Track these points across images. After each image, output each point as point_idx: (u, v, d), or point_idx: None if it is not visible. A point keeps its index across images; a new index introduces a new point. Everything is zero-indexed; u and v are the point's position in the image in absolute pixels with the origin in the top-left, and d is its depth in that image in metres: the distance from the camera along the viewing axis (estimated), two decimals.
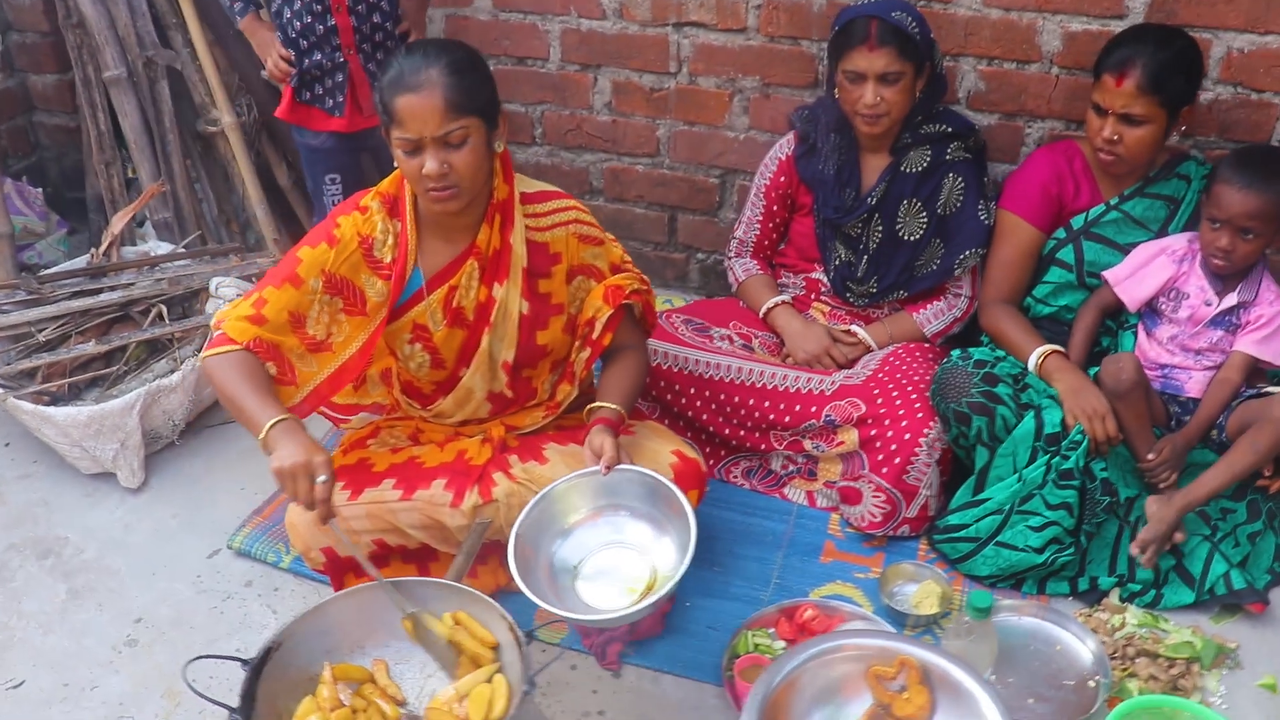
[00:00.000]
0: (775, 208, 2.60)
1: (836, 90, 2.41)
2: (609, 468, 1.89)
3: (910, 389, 2.29)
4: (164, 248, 2.89)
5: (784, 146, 2.57)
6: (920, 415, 2.24)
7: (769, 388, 2.41)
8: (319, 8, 2.39)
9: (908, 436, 2.23)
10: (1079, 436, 2.13)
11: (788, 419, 2.38)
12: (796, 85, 2.72)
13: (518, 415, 2.23)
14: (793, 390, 2.39)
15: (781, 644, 2.07)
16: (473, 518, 2.04)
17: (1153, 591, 2.15)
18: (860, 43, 2.28)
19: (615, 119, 2.92)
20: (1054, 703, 1.96)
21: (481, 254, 2.04)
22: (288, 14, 2.41)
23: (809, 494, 2.44)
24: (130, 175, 3.07)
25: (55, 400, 2.57)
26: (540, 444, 2.17)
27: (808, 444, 2.39)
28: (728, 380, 2.44)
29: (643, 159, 2.96)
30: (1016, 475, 2.15)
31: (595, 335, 2.11)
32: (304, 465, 1.74)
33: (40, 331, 2.65)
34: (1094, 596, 2.17)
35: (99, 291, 2.74)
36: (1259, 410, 2.14)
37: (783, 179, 2.57)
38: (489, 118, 1.91)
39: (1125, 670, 2.00)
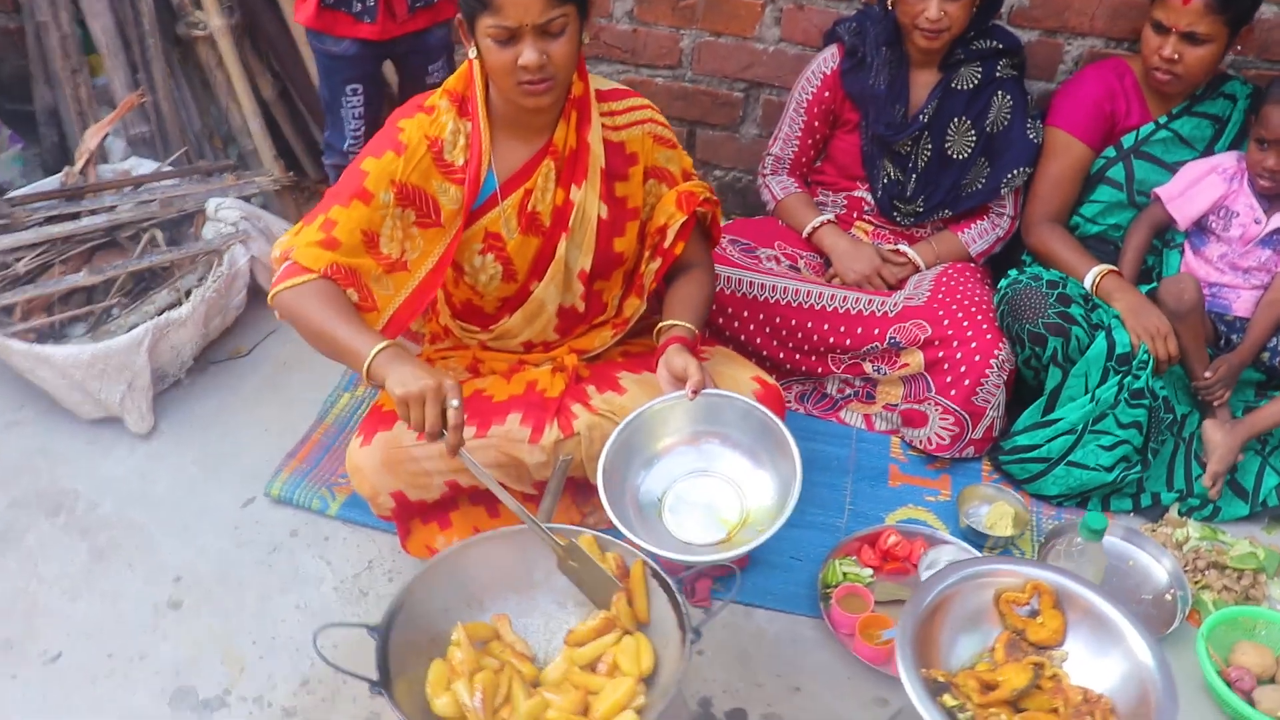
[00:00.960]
0: (817, 124, 2.56)
1: (891, 2, 2.37)
2: (696, 391, 1.82)
3: (975, 310, 2.32)
4: (146, 166, 2.66)
5: (828, 60, 2.51)
6: (989, 337, 2.27)
7: (828, 310, 2.41)
8: None
9: (978, 358, 2.26)
10: (1146, 356, 2.20)
11: (848, 341, 2.39)
12: None
13: (586, 336, 2.16)
14: (854, 312, 2.39)
15: (868, 571, 2.10)
16: (554, 453, 1.99)
17: (1210, 506, 2.27)
18: None
19: (636, 28, 2.80)
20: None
21: (559, 153, 1.95)
22: None
23: (866, 417, 2.46)
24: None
25: (41, 338, 2.38)
26: (613, 372, 2.12)
27: (868, 367, 2.40)
28: (784, 303, 2.42)
29: (663, 71, 2.86)
30: (1089, 395, 2.21)
31: (668, 244, 2.04)
32: (435, 389, 1.64)
33: (18, 261, 2.43)
34: (1155, 513, 2.27)
35: (78, 215, 2.51)
36: None
37: (827, 94, 2.52)
38: (582, 5, 1.80)
39: (1198, 583, 2.11)
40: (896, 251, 2.53)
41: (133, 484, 2.27)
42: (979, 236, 2.55)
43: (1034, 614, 1.72)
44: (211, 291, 2.43)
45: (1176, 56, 2.26)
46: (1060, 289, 2.27)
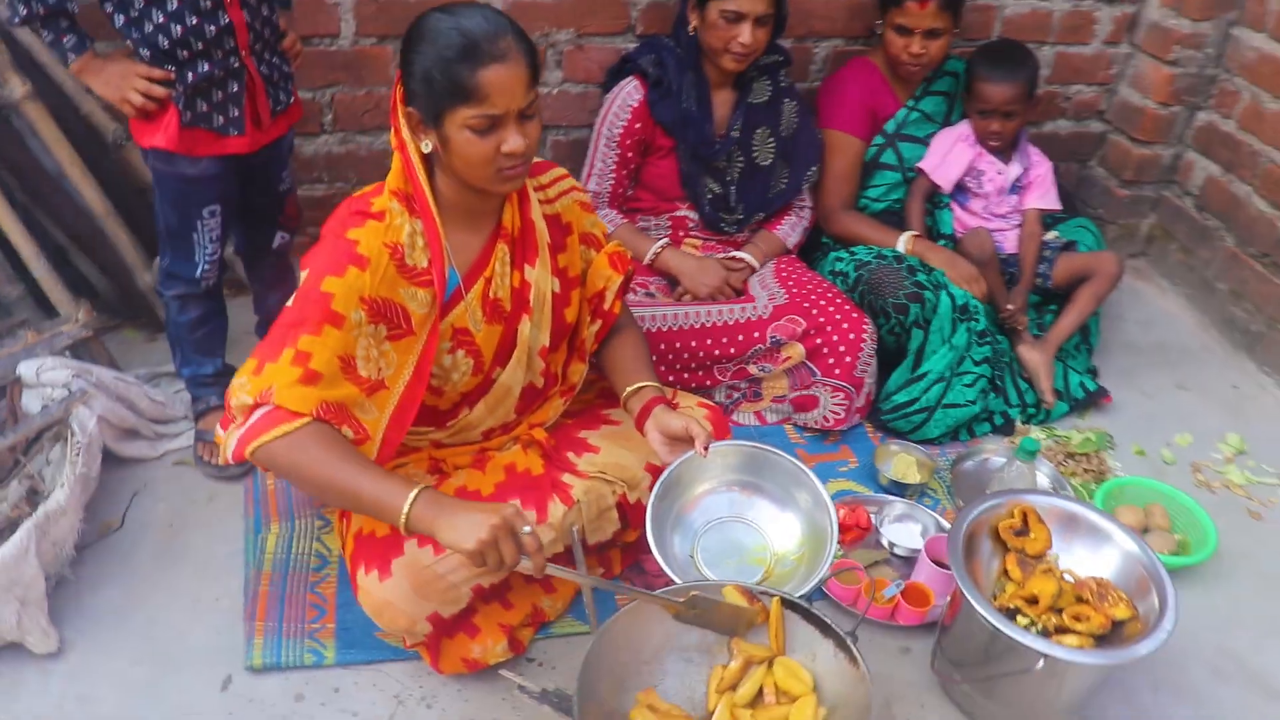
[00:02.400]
0: (630, 155, 2.77)
1: (696, 29, 2.64)
2: (707, 447, 1.97)
3: (834, 296, 2.68)
4: None
5: (632, 94, 2.73)
6: (855, 316, 2.64)
7: (709, 326, 2.65)
8: (208, 3, 2.01)
9: (852, 336, 2.62)
10: (975, 302, 2.69)
11: (733, 350, 2.65)
12: (610, 33, 2.86)
13: (541, 409, 2.24)
14: (730, 323, 2.65)
15: None
16: (563, 528, 2.07)
17: (1043, 411, 2.83)
18: None
19: None
20: None
21: (510, 235, 2.00)
22: (158, 19, 1.99)
23: (757, 414, 2.74)
24: None
25: None
26: (575, 434, 2.23)
27: (753, 369, 2.68)
28: (666, 329, 2.63)
29: None
30: (947, 345, 2.66)
31: (607, 305, 2.18)
32: (503, 527, 1.65)
33: None
34: (1008, 429, 2.78)
35: None
36: (1090, 264, 2.91)
37: (638, 125, 2.73)
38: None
39: (1067, 472, 2.64)
40: (732, 258, 2.83)
41: (71, 714, 1.99)
42: (791, 230, 2.92)
43: (1025, 532, 2.13)
44: (81, 467, 2.16)
45: (922, 51, 2.76)
46: (905, 263, 2.70)
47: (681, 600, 1.80)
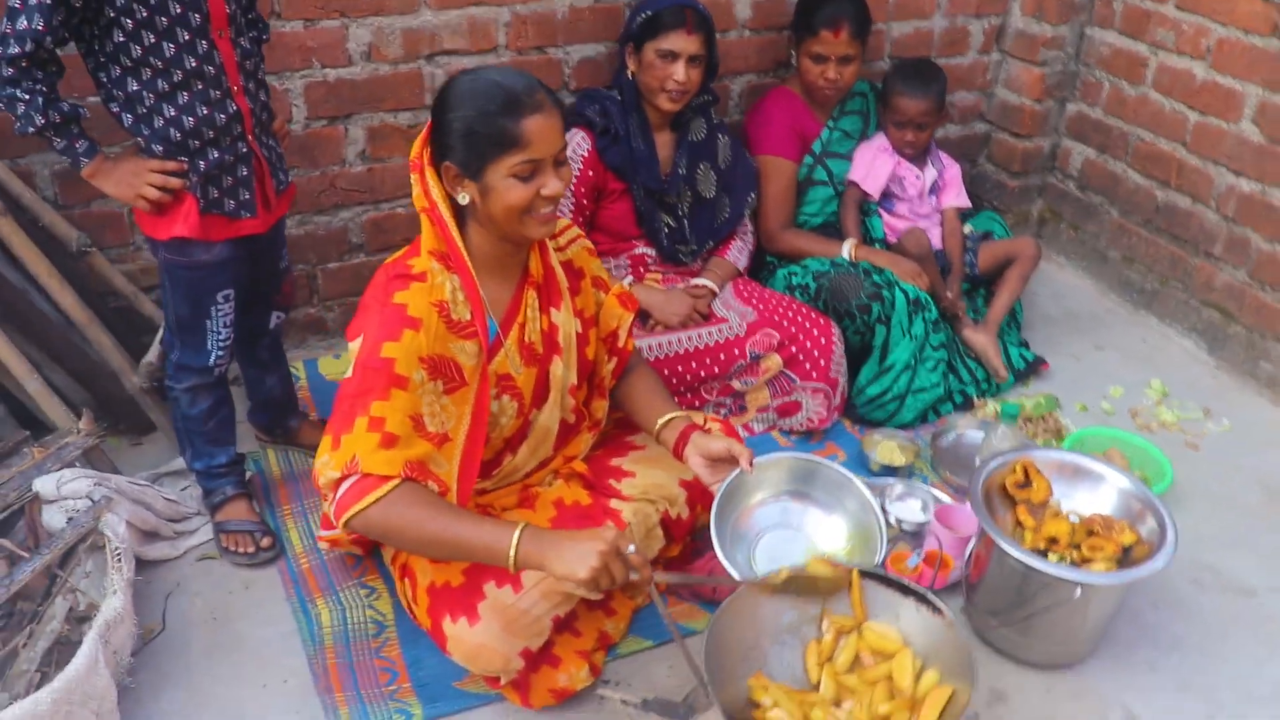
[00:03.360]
0: (585, 201, 2.95)
1: (634, 72, 2.86)
2: (752, 463, 2.17)
3: (798, 307, 2.94)
4: None
5: (580, 144, 2.91)
6: (822, 322, 2.90)
7: (691, 350, 2.86)
8: (218, 94, 2.09)
9: (824, 341, 2.87)
10: (924, 295, 2.99)
11: (716, 369, 2.86)
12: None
13: (573, 444, 2.39)
14: (711, 345, 2.86)
15: None
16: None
17: (994, 385, 3.15)
18: (678, 27, 2.77)
19: (371, 166, 2.94)
20: None
21: (536, 282, 2.17)
22: (169, 113, 2.06)
23: (745, 425, 2.95)
24: None
25: None
26: (608, 462, 2.38)
27: (736, 384, 2.89)
28: (653, 358, 2.82)
29: (402, 200, 3.03)
30: (907, 337, 2.94)
31: (621, 343, 2.37)
32: (611, 551, 1.81)
33: None
34: (967, 405, 3.09)
35: None
36: (1011, 249, 3.29)
37: (590, 173, 2.92)
38: None
39: (1030, 434, 2.95)
40: (695, 286, 3.04)
41: None
42: (740, 254, 3.16)
43: (1027, 484, 2.40)
44: (127, 571, 2.18)
45: (837, 76, 3.07)
46: (859, 267, 2.97)
47: (780, 581, 1.98)
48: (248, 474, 2.59)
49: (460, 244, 2.02)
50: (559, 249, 2.27)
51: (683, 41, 2.79)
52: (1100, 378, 3.27)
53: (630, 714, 2.16)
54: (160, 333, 2.60)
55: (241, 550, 2.47)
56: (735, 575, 2.10)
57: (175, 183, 2.14)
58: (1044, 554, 2.24)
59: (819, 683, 1.96)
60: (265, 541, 2.48)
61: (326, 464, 1.91)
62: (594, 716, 2.17)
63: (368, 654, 2.27)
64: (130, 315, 2.78)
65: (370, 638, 2.31)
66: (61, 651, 2.13)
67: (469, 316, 2.04)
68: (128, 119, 2.12)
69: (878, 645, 1.98)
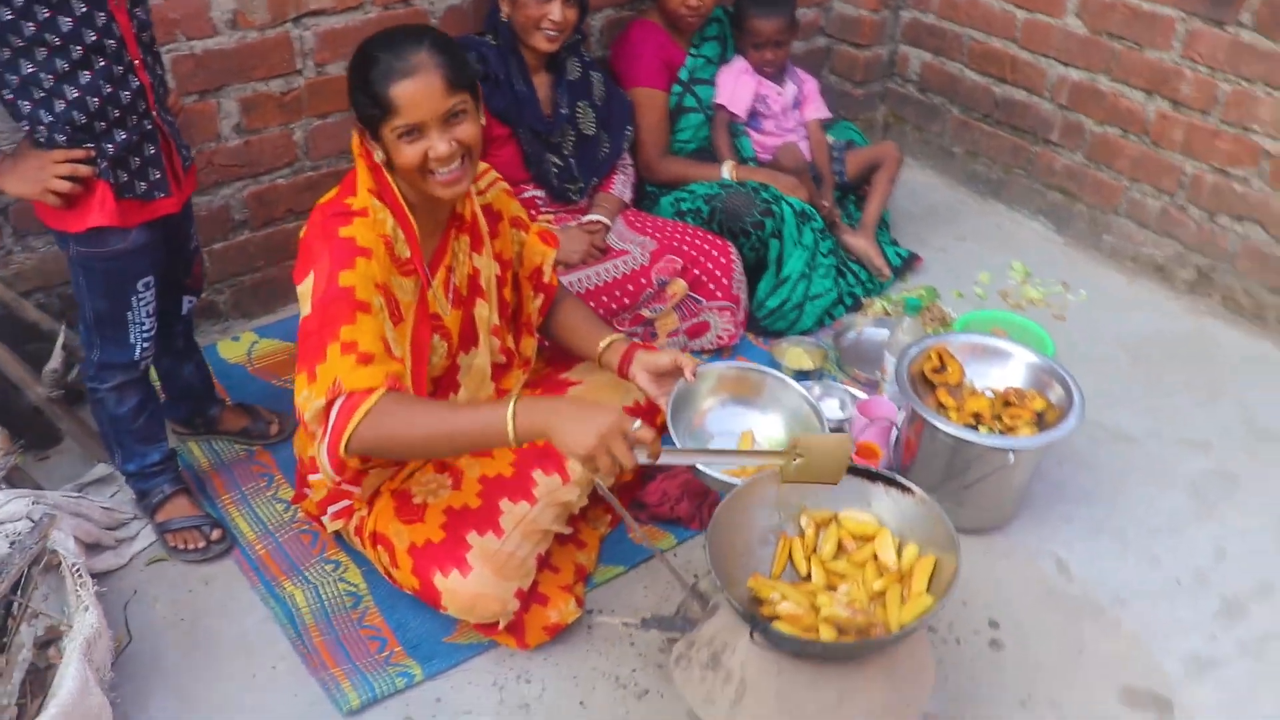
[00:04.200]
0: None
1: (509, 15, 2.89)
2: (694, 372, 2.31)
3: (693, 230, 3.08)
4: None
5: None
6: (720, 242, 3.05)
7: (604, 284, 2.95)
8: (119, 69, 2.00)
9: (723, 260, 3.02)
10: (807, 206, 3.16)
11: (626, 300, 2.96)
12: None
13: (506, 382, 2.46)
14: (620, 276, 2.96)
15: None
16: (584, 481, 2.31)
17: (878, 284, 3.37)
18: None
19: (248, 139, 2.86)
20: None
21: (466, 226, 2.23)
22: (71, 94, 1.95)
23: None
24: None
25: None
26: (552, 390, 2.46)
27: (646, 312, 3.00)
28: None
29: (283, 170, 2.97)
30: (799, 247, 3.11)
31: (547, 279, 2.45)
32: (616, 428, 1.82)
33: None
34: (857, 305, 3.30)
35: None
36: (875, 154, 3.51)
37: None
38: (474, 91, 2.07)
39: (921, 324, 3.17)
40: (590, 223, 3.11)
41: None
42: (624, 187, 3.26)
43: (943, 369, 2.62)
44: (94, 585, 2.12)
45: (698, 4, 3.19)
46: (746, 186, 3.11)
47: (787, 451, 2.05)
48: (179, 469, 2.54)
49: (393, 184, 2.06)
50: (479, 192, 2.31)
51: None
52: (968, 265, 3.55)
53: (626, 636, 2.28)
54: (61, 337, 2.49)
55: (192, 546, 2.43)
56: (715, 475, 2.23)
57: (85, 170, 2.05)
58: (974, 428, 2.47)
59: (809, 575, 2.11)
60: (215, 534, 2.45)
61: (308, 397, 1.93)
62: (586, 646, 2.28)
63: (351, 625, 2.30)
64: (12, 324, 2.64)
65: (349, 609, 2.34)
66: (34, 680, 2.07)
67: (408, 254, 2.09)
68: (25, 105, 2.00)
69: (857, 530, 2.14)
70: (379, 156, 2.03)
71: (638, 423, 1.89)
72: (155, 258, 2.25)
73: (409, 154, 1.98)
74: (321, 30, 2.86)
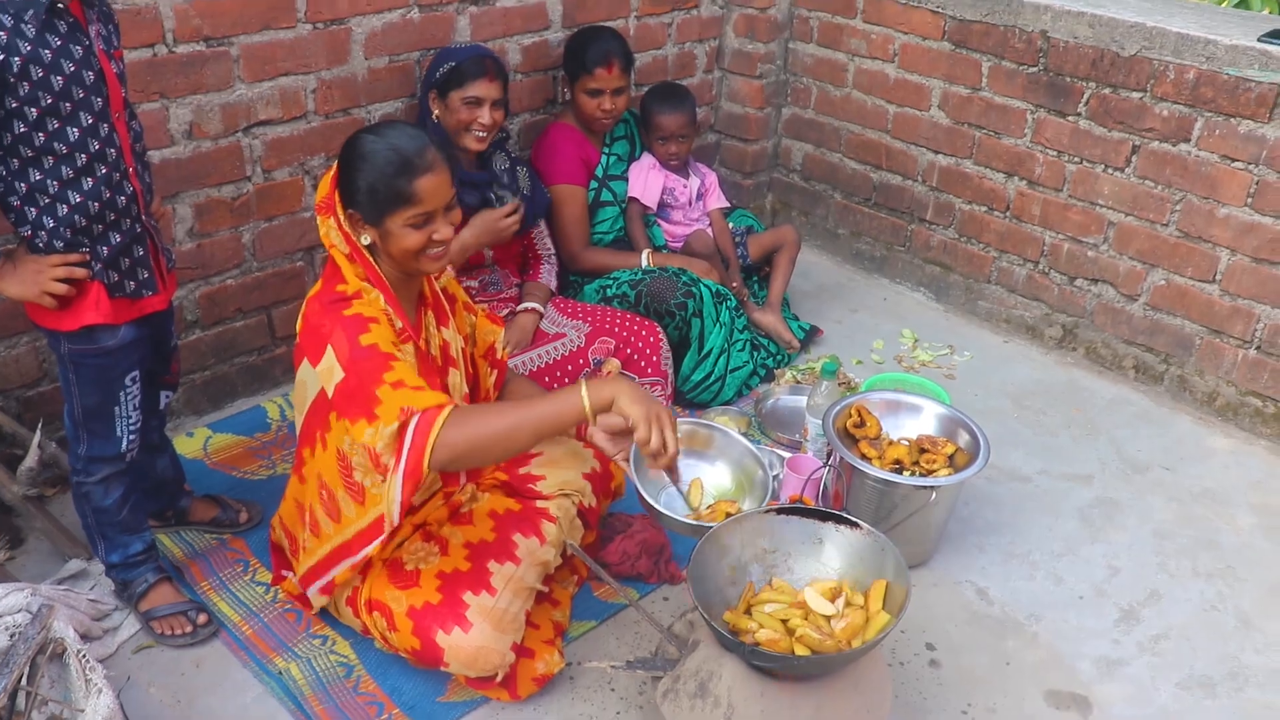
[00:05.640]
0: None
1: (439, 117, 3.14)
2: None
3: (621, 313, 3.35)
4: None
5: None
6: (647, 322, 3.33)
7: (545, 365, 3.18)
8: (117, 176, 2.16)
9: (652, 339, 3.30)
10: (721, 288, 3.47)
11: (567, 380, 3.20)
12: None
13: None
14: (559, 358, 3.20)
15: None
16: (558, 542, 2.53)
17: (786, 355, 3.70)
18: (481, 76, 3.09)
19: (200, 242, 3.01)
20: None
21: (430, 303, 2.45)
22: (74, 199, 2.10)
23: None
24: None
25: None
26: (516, 471, 2.67)
27: None
28: None
29: (232, 271, 3.12)
30: (718, 325, 3.41)
31: (500, 355, 2.68)
32: (663, 410, 2.11)
33: None
34: (769, 376, 3.61)
35: None
36: (775, 238, 3.87)
37: None
38: None
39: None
40: (525, 310, 3.35)
41: None
42: (550, 276, 3.52)
43: (862, 424, 2.94)
44: (101, 668, 2.21)
45: (612, 107, 3.50)
46: (670, 271, 3.41)
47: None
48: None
49: (380, 271, 2.26)
50: (435, 275, 2.53)
51: (485, 88, 3.11)
52: (863, 335, 3.93)
53: (607, 682, 2.48)
54: (37, 435, 2.58)
55: (179, 632, 2.52)
56: (670, 514, 2.45)
57: (80, 273, 2.20)
58: (897, 473, 2.78)
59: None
60: (201, 619, 2.54)
61: (376, 432, 2.06)
62: (571, 694, 2.47)
63: (348, 693, 2.43)
64: None
65: (343, 679, 2.47)
66: None
67: (400, 324, 2.27)
68: (31, 212, 2.14)
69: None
70: (366, 240, 2.22)
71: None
72: (142, 353, 2.39)
73: (415, 239, 2.18)
74: (269, 139, 3.07)
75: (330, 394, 2.15)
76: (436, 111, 3.17)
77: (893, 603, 2.26)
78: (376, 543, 2.29)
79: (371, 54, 3.20)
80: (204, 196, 3.01)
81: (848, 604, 2.28)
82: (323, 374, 2.16)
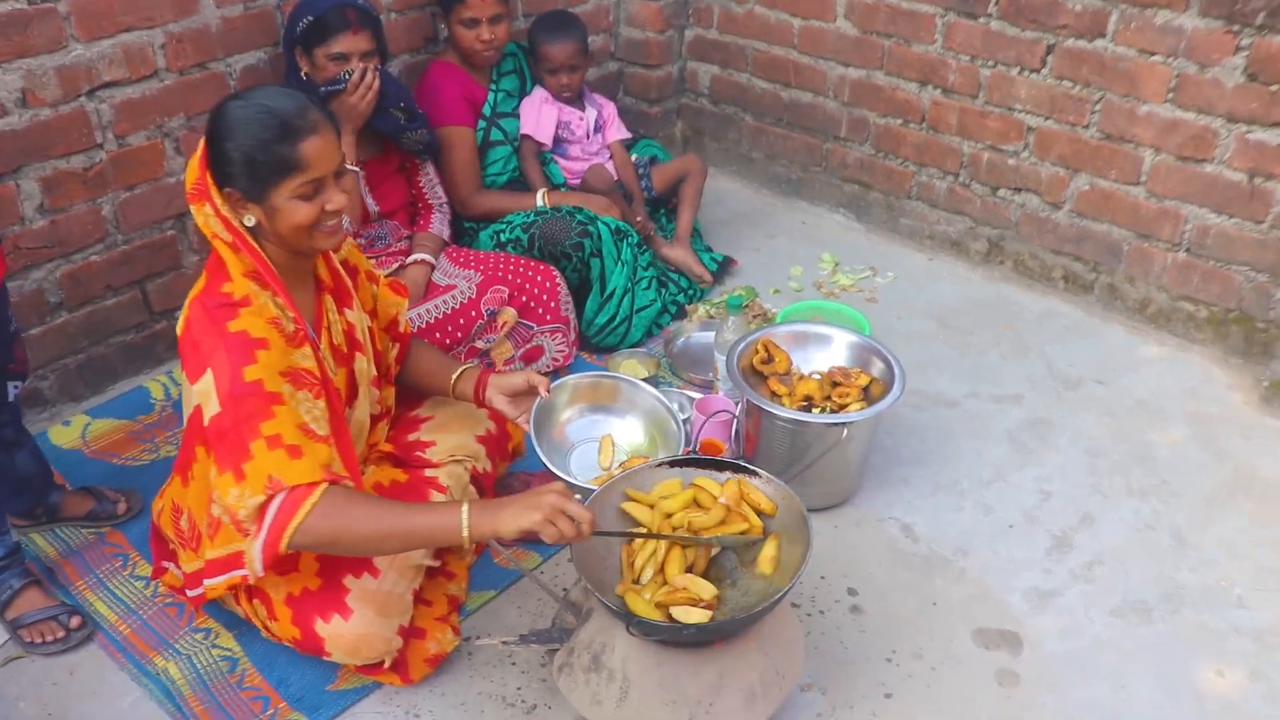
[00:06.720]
0: None
1: (308, 74, 2.91)
2: (549, 390, 2.40)
3: (515, 259, 3.16)
4: None
5: None
6: (542, 267, 3.15)
7: (435, 320, 3.00)
8: None
9: (548, 284, 3.13)
10: (621, 224, 3.29)
11: (459, 334, 3.02)
12: None
13: (374, 434, 2.48)
14: (450, 311, 3.02)
15: None
16: None
17: (698, 290, 3.53)
18: (344, 29, 2.84)
19: (54, 219, 2.79)
20: None
21: (329, 286, 2.26)
22: None
23: None
24: None
25: None
26: (405, 439, 2.51)
27: (480, 344, 3.07)
28: None
29: (95, 247, 2.90)
30: (619, 264, 3.23)
31: (402, 329, 2.49)
32: (557, 503, 1.90)
33: None
34: (681, 313, 3.44)
35: None
36: (680, 168, 3.69)
37: None
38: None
39: (748, 322, 3.34)
40: (418, 262, 3.15)
41: None
42: (441, 225, 3.31)
43: (770, 360, 2.78)
44: None
45: (491, 36, 3.27)
46: (563, 211, 3.23)
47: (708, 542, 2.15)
48: (25, 562, 2.46)
49: (269, 262, 2.05)
50: (334, 249, 2.33)
51: (351, 41, 2.87)
52: (780, 262, 3.76)
53: (506, 656, 2.34)
54: None
55: (50, 638, 2.35)
56: (569, 480, 2.34)
57: None
58: (807, 410, 2.63)
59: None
60: (74, 621, 2.38)
61: (240, 496, 1.90)
62: (469, 672, 2.32)
63: (231, 690, 2.28)
64: None
65: (226, 674, 2.31)
66: None
67: (293, 328, 2.07)
68: None
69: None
70: (250, 221, 2.00)
71: (578, 495, 1.98)
72: None
73: (305, 211, 1.97)
74: (118, 102, 2.83)
75: (205, 422, 1.96)
76: (304, 68, 2.93)
77: (791, 558, 2.12)
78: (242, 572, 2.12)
79: (223, 2, 2.96)
80: (50, 169, 2.77)
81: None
82: (199, 395, 1.96)
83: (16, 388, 2.45)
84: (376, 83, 2.88)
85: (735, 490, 2.18)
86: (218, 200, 2.00)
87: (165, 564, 2.43)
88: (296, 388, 2.02)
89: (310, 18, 2.85)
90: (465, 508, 1.94)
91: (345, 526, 1.92)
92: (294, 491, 1.90)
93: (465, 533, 1.93)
